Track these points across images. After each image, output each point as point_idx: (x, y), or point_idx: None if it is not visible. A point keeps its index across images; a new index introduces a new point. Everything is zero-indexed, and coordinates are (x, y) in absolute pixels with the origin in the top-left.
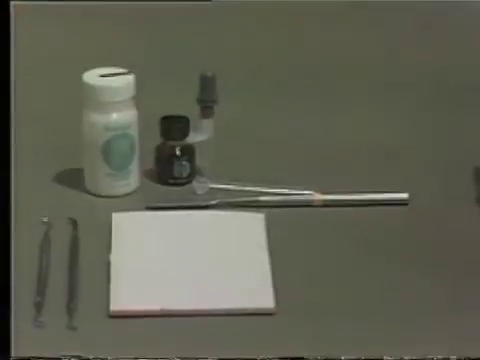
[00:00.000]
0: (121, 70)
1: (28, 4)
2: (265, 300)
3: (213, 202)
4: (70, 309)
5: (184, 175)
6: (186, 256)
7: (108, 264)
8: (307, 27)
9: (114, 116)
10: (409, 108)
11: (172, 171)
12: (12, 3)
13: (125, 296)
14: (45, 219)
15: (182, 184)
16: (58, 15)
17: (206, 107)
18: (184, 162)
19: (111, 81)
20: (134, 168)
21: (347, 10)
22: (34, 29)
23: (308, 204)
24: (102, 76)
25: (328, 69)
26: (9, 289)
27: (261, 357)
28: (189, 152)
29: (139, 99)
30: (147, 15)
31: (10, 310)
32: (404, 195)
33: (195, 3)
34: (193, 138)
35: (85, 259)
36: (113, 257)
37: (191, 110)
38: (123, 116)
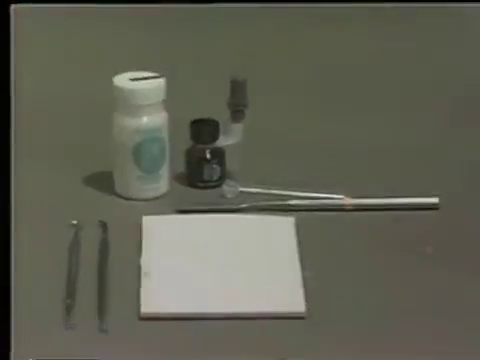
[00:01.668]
0: (152, 73)
1: (31, 7)
2: (296, 304)
3: (243, 206)
4: (101, 312)
5: (214, 178)
6: (216, 259)
7: (138, 267)
8: (338, 29)
9: (145, 119)
10: (440, 110)
11: (202, 174)
12: (12, 6)
13: (156, 299)
14: (75, 222)
15: (212, 187)
16: (86, 18)
17: (236, 111)
18: (214, 165)
19: (142, 84)
20: (164, 171)
21: (375, 10)
22: (58, 30)
23: (338, 208)
24: (133, 79)
25: (358, 71)
26: (9, 290)
27: None
28: (219, 155)
29: (169, 102)
30: (179, 17)
31: (10, 312)
32: (434, 200)
33: (227, 5)
34: (223, 142)
35: (115, 262)
36: (143, 260)
37: (221, 114)
38: (154, 119)
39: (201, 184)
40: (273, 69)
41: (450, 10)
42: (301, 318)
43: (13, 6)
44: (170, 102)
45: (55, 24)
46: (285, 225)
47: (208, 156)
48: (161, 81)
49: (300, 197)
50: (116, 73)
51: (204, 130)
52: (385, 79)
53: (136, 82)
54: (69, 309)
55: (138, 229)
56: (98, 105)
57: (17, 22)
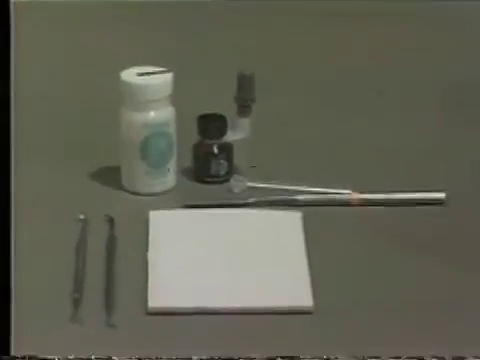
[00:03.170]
0: (159, 68)
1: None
2: (303, 299)
3: (250, 201)
4: (108, 306)
5: (221, 173)
6: (223, 254)
7: (145, 262)
8: (340, 27)
9: (152, 114)
10: (442, 108)
11: (209, 169)
12: (13, 1)
13: (163, 293)
14: (82, 216)
15: (219, 182)
16: (89, 14)
17: (244, 106)
18: (222, 160)
19: (149, 79)
20: (171, 166)
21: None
22: (62, 27)
23: (346, 203)
24: (140, 74)
25: (361, 68)
26: (9, 288)
27: (300, 356)
28: (227, 150)
29: (177, 97)
30: (184, 12)
31: (10, 309)
32: (441, 194)
33: (231, 2)
34: (231, 136)
35: (122, 256)
36: (151, 255)
37: (229, 108)
38: (161, 114)
39: (208, 179)
40: (280, 64)
41: (450, 10)
42: (308, 313)
43: (14, 1)
44: (177, 97)
45: (56, 19)
46: (292, 220)
47: (216, 151)
48: (168, 76)
49: (307, 192)
50: (119, 68)
51: (212, 125)
52: (385, 77)
53: (143, 77)
54: (76, 303)
55: (145, 224)
56: (101, 100)
57: (18, 17)
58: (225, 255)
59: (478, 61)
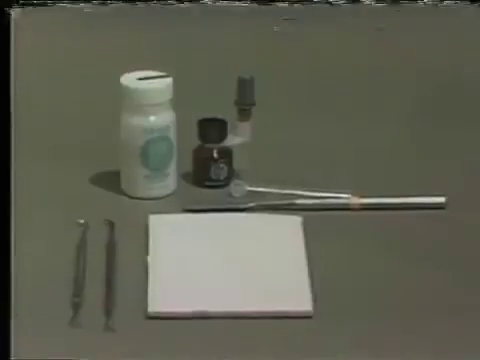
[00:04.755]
0: (159, 73)
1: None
2: (303, 303)
3: (250, 205)
4: (107, 310)
5: (221, 178)
6: (223, 259)
7: (145, 266)
8: (340, 30)
9: (152, 119)
10: (443, 110)
11: (209, 174)
12: (13, 6)
13: (163, 298)
14: (82, 221)
15: (219, 187)
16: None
17: (244, 110)
18: (221, 165)
19: (149, 84)
20: (172, 170)
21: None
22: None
23: (346, 207)
24: (140, 79)
25: (361, 71)
26: (9, 292)
27: None
28: (227, 155)
29: (177, 101)
30: (184, 17)
31: (10, 313)
32: (441, 199)
33: (231, 4)
34: (231, 141)
35: (122, 261)
36: (150, 259)
37: (229, 113)
38: (161, 118)
39: (208, 183)
40: (280, 68)
41: (450, 10)
42: (308, 317)
43: (13, 6)
44: (177, 101)
45: (56, 23)
46: (292, 224)
47: (216, 155)
48: (168, 80)
49: (307, 196)
50: (119, 73)
51: (212, 129)
52: (385, 80)
53: (143, 81)
54: (76, 307)
55: (145, 228)
56: (101, 104)
57: (18, 21)
58: (225, 259)
59: (475, 62)
